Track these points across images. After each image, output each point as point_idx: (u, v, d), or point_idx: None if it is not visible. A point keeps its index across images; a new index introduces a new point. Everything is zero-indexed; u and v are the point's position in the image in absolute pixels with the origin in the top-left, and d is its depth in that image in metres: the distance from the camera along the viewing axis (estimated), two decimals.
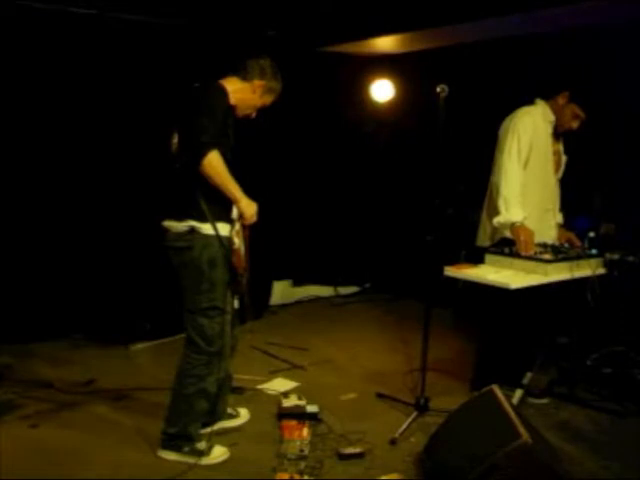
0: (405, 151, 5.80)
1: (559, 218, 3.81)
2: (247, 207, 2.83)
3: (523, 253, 3.29)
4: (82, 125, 4.34)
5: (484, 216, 3.70)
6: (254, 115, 3.07)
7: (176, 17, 4.40)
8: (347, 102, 5.67)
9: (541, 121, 3.56)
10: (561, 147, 3.73)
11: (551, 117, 3.57)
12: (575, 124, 3.57)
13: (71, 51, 4.20)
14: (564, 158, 3.75)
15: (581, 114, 3.54)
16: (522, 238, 3.32)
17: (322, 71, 5.38)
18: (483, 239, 3.69)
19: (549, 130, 3.59)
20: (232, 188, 2.78)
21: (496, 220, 3.42)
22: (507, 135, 3.48)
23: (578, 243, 3.66)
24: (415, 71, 5.50)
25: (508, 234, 3.48)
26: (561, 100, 3.54)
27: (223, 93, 2.84)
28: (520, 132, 3.45)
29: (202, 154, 2.66)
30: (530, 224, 3.41)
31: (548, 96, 3.59)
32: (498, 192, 3.43)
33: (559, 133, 3.67)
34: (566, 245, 3.55)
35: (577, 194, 4.04)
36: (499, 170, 3.47)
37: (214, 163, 2.69)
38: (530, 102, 3.64)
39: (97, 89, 4.32)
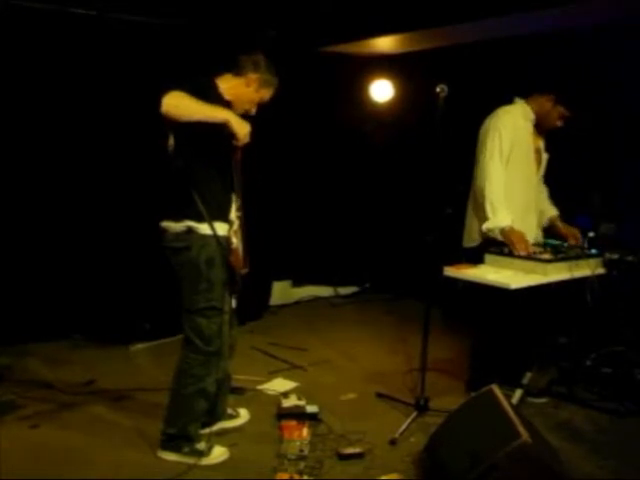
0: (405, 151, 5.80)
1: (554, 211, 3.82)
2: (238, 126, 2.69)
3: (522, 253, 3.29)
4: (81, 126, 4.34)
5: (469, 218, 3.70)
6: (254, 111, 3.04)
7: (176, 17, 4.40)
8: (347, 102, 5.66)
9: (521, 120, 3.57)
10: (542, 144, 3.73)
11: (531, 115, 3.58)
12: (560, 123, 3.59)
13: (70, 52, 4.20)
14: (545, 156, 3.75)
15: (567, 114, 3.55)
16: (514, 240, 3.33)
17: (322, 71, 5.38)
18: (469, 240, 3.68)
19: (530, 128, 3.61)
20: (214, 112, 2.66)
21: (485, 226, 3.42)
22: (487, 136, 3.48)
23: (580, 240, 3.64)
24: (415, 71, 5.50)
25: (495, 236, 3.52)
26: (547, 104, 3.54)
27: (208, 83, 2.85)
28: (501, 131, 3.45)
29: (160, 98, 2.55)
30: (513, 224, 3.41)
31: (526, 95, 3.60)
32: (483, 196, 3.42)
33: (541, 131, 3.68)
34: (566, 244, 3.55)
35: (577, 194, 4.04)
36: (482, 172, 3.46)
37: (175, 101, 2.56)
38: (509, 101, 3.65)
39: (96, 90, 4.31)
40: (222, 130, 2.71)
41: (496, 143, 3.44)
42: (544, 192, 3.86)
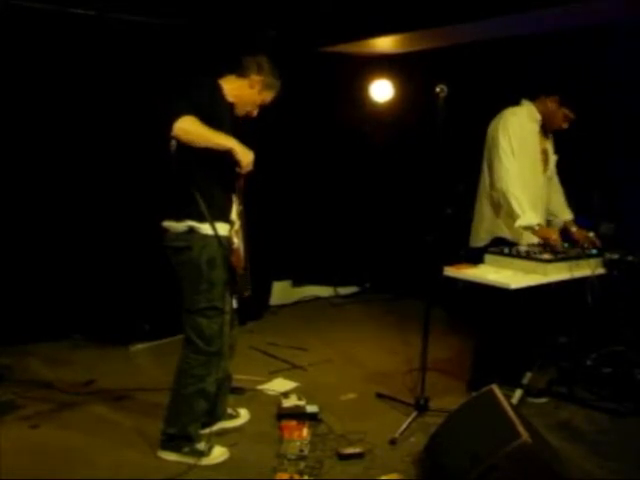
0: (405, 151, 5.80)
1: (569, 215, 3.82)
2: (243, 154, 2.75)
3: (559, 249, 3.35)
4: (82, 126, 4.33)
5: (477, 218, 3.70)
6: (255, 113, 3.06)
7: (176, 17, 4.40)
8: (347, 102, 5.67)
9: (527, 121, 3.59)
10: (549, 146, 3.75)
11: (537, 116, 3.61)
12: (565, 124, 3.63)
13: (71, 52, 4.20)
14: (553, 157, 3.76)
15: (571, 115, 3.59)
16: (554, 237, 3.39)
17: (322, 71, 5.38)
18: (476, 240, 3.69)
19: (536, 129, 3.63)
20: (221, 141, 2.71)
21: (517, 224, 3.42)
22: (499, 136, 3.51)
23: (597, 243, 3.62)
24: (415, 71, 5.51)
25: (502, 234, 3.55)
26: (551, 105, 3.58)
27: (215, 88, 2.85)
28: (510, 131, 3.49)
29: (171, 122, 2.60)
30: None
31: (533, 97, 3.62)
32: (507, 195, 3.42)
33: (547, 132, 3.70)
34: (566, 245, 3.55)
35: (577, 194, 4.04)
36: (501, 173, 3.46)
37: (185, 127, 2.62)
38: (516, 103, 3.66)
39: (97, 90, 4.31)
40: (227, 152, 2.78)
41: (507, 142, 3.48)
42: (560, 194, 3.86)
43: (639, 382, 3.57)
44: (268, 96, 3.04)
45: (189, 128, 2.64)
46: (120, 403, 3.52)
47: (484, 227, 3.65)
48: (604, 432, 3.30)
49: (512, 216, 3.43)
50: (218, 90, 2.87)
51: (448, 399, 3.46)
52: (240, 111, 3.00)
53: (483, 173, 3.66)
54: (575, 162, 4.07)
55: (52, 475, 2.78)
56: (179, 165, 2.82)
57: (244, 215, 2.97)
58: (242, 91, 2.96)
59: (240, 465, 2.91)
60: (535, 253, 3.31)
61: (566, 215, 3.82)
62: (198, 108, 2.68)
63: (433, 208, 3.50)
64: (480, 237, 3.67)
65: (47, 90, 4.20)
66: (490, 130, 3.62)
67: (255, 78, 2.96)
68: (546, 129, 3.68)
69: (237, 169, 2.79)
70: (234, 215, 2.92)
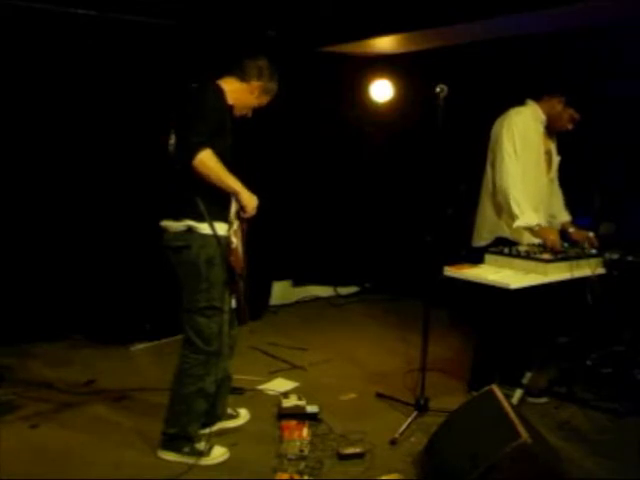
0: (405, 151, 5.80)
1: (566, 216, 3.82)
2: (248, 199, 2.84)
3: (558, 249, 3.34)
4: (81, 126, 4.34)
5: (480, 217, 3.70)
6: (250, 114, 3.09)
7: (177, 18, 4.40)
8: (347, 102, 5.67)
9: (531, 121, 3.58)
10: (553, 147, 3.75)
11: (542, 116, 3.60)
12: (570, 125, 3.62)
13: (70, 52, 4.20)
14: (557, 158, 3.75)
15: (577, 116, 3.58)
16: (552, 237, 3.38)
17: (322, 71, 5.38)
18: (478, 240, 3.69)
19: (540, 129, 3.62)
20: (230, 182, 2.80)
21: (516, 224, 3.42)
22: (503, 136, 3.49)
23: (595, 243, 3.61)
24: (414, 71, 5.50)
25: (504, 234, 3.54)
26: (558, 106, 3.56)
27: (219, 93, 2.85)
28: (514, 131, 3.48)
29: (193, 154, 2.67)
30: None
31: (537, 97, 3.61)
32: (507, 195, 3.42)
33: (552, 133, 3.69)
34: (566, 245, 3.55)
35: (577, 194, 4.04)
36: (502, 173, 3.46)
37: (206, 162, 2.70)
38: (518, 103, 3.66)
39: (97, 90, 4.32)
40: (226, 138, 2.86)
41: (511, 143, 3.47)
42: (558, 195, 3.85)
43: (639, 382, 3.56)
44: (265, 100, 3.07)
45: (210, 165, 2.72)
46: (120, 403, 3.52)
47: (486, 227, 3.65)
48: (604, 432, 3.30)
49: (512, 216, 3.43)
50: (221, 95, 2.86)
51: (448, 399, 3.46)
52: (237, 113, 3.02)
53: (486, 173, 3.65)
54: (575, 162, 4.07)
55: (52, 475, 2.78)
56: (178, 165, 2.83)
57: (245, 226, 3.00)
58: (242, 95, 2.97)
59: (240, 465, 2.91)
60: (535, 253, 3.31)
61: (564, 217, 3.82)
62: (211, 130, 2.73)
63: (434, 208, 3.49)
64: (482, 237, 3.67)
65: (47, 90, 4.20)
66: (494, 130, 3.60)
67: (255, 84, 2.98)
68: (550, 130, 3.67)
69: (241, 213, 2.89)
70: (232, 215, 2.93)
